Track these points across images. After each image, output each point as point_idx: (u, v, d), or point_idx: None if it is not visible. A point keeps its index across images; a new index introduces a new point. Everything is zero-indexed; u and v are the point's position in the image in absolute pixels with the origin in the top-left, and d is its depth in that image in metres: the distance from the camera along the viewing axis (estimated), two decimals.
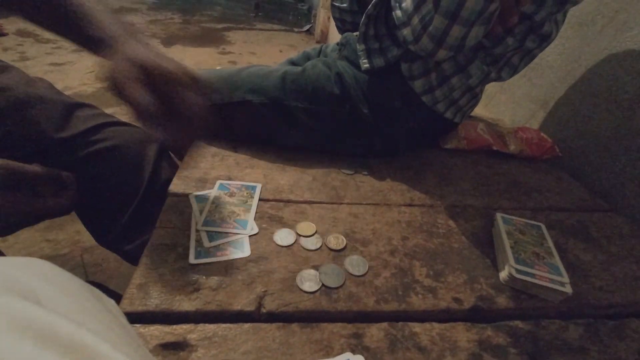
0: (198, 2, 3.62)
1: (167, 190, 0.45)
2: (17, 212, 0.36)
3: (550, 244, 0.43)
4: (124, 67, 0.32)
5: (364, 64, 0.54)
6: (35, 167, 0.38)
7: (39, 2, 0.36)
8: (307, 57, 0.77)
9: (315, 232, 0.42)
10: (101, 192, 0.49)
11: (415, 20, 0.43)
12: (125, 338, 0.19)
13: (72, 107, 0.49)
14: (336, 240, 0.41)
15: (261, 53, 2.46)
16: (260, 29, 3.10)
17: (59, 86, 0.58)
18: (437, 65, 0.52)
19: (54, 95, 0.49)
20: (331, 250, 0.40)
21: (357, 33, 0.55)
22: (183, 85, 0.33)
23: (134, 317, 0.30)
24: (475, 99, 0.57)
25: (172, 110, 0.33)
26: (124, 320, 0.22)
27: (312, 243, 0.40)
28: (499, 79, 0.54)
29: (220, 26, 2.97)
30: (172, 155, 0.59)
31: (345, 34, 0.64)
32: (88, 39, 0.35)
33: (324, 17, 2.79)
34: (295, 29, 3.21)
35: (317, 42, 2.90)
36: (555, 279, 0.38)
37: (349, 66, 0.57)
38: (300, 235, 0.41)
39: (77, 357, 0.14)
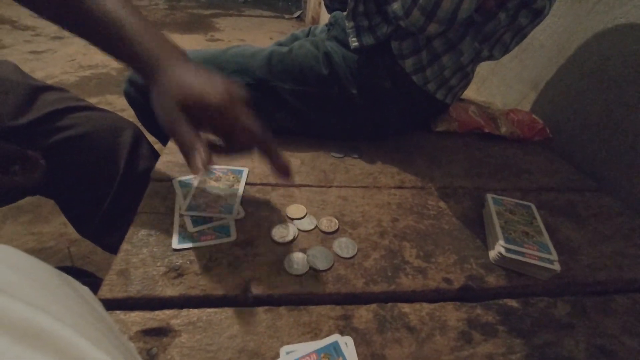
0: None
1: (147, 180, 0.43)
2: None
3: (540, 223, 0.43)
4: (168, 101, 0.31)
5: (353, 42, 0.52)
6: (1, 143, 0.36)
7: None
8: (294, 39, 0.75)
9: (306, 213, 0.41)
10: (75, 182, 0.47)
11: None
12: (96, 324, 0.18)
13: (37, 90, 0.46)
14: (329, 223, 0.40)
15: (250, 40, 2.39)
16: (250, 15, 3.02)
17: (38, 75, 0.55)
18: (427, 43, 0.50)
19: (17, 77, 0.46)
20: (322, 232, 0.39)
21: (346, 11, 0.53)
22: (231, 113, 0.32)
23: (114, 304, 0.29)
24: (466, 78, 0.56)
25: (226, 138, 0.33)
26: (98, 307, 0.21)
27: (307, 223, 0.39)
28: (490, 57, 0.53)
29: (207, 12, 2.88)
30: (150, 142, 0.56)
31: (334, 13, 0.62)
32: (125, 54, 0.33)
33: (314, 3, 2.72)
34: (286, 16, 3.13)
35: None
36: (544, 257, 0.38)
37: (337, 46, 0.55)
38: (297, 230, 0.39)
39: (33, 341, 0.13)
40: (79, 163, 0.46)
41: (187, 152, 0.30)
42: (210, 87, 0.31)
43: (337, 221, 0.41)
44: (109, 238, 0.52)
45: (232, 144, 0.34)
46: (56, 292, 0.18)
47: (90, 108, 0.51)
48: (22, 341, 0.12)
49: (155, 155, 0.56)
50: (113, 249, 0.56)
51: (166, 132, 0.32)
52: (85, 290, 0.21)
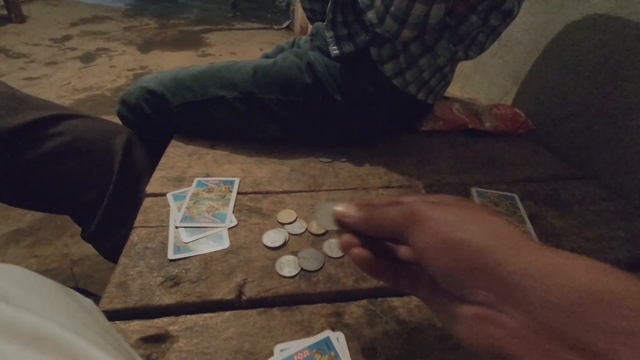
0: (174, 6, 3.57)
1: (142, 182, 0.45)
2: None
3: (523, 212, 0.44)
4: None
5: (334, 50, 0.54)
6: None
7: None
8: (280, 51, 0.77)
9: (296, 218, 0.43)
10: (71, 188, 0.48)
11: (378, 1, 0.44)
12: (98, 331, 0.19)
13: (24, 98, 0.46)
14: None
15: (242, 53, 2.43)
16: (240, 29, 3.07)
17: None
18: (404, 47, 0.52)
19: (3, 89, 0.46)
20: (312, 235, 0.41)
21: (326, 22, 0.56)
22: None
23: (115, 315, 0.30)
24: (445, 79, 0.58)
25: None
26: (102, 318, 0.22)
27: (297, 227, 0.41)
28: (466, 57, 0.55)
29: (198, 28, 2.93)
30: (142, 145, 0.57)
31: (316, 24, 0.64)
32: None
33: (302, 13, 2.77)
34: (275, 26, 3.19)
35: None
36: None
37: (320, 55, 0.57)
38: (290, 234, 0.40)
39: (41, 346, 0.14)
40: (74, 169, 0.47)
41: None
42: None
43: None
44: (107, 243, 0.53)
45: None
46: (60, 304, 0.19)
47: (82, 116, 0.51)
48: (31, 346, 0.14)
49: (151, 160, 0.57)
50: (111, 255, 0.57)
51: None
52: (88, 302, 0.23)
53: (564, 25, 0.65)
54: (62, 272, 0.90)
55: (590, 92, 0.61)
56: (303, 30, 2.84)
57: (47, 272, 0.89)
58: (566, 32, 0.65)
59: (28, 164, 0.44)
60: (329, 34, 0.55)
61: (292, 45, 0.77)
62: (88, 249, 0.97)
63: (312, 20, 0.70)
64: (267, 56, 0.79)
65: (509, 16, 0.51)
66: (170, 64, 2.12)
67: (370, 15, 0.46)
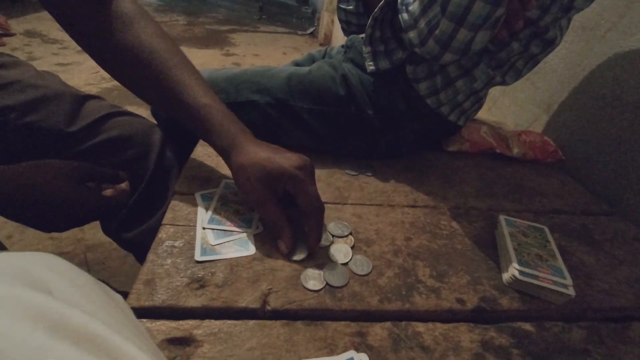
0: (202, 5, 3.66)
1: (170, 180, 0.46)
2: (89, 203, 0.40)
3: (554, 246, 0.43)
4: (254, 181, 0.37)
5: (370, 66, 0.54)
6: (101, 167, 0.43)
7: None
8: (311, 59, 0.78)
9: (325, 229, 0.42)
10: None
11: (422, 23, 0.44)
12: (134, 331, 0.19)
13: (80, 99, 0.50)
14: (345, 240, 0.41)
15: (265, 55, 2.47)
16: (264, 32, 3.13)
17: None
18: (441, 68, 0.52)
19: (63, 88, 0.51)
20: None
21: (363, 35, 0.56)
22: (299, 181, 0.37)
23: (141, 312, 0.31)
24: (479, 102, 0.57)
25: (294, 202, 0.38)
26: (131, 314, 0.22)
27: (323, 240, 0.40)
28: (503, 82, 0.55)
29: (224, 28, 2.99)
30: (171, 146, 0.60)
31: (351, 36, 0.65)
32: (208, 134, 0.40)
33: (327, 20, 2.81)
34: (299, 32, 3.24)
35: (321, 44, 2.91)
36: (558, 281, 0.38)
37: (354, 68, 0.58)
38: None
39: (89, 346, 0.14)
40: (118, 161, 0.50)
41: (275, 232, 0.38)
42: (285, 158, 0.37)
43: (352, 238, 0.42)
44: (129, 234, 0.55)
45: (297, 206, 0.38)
46: (100, 301, 0.19)
47: (126, 113, 0.55)
48: (79, 345, 0.14)
49: (178, 159, 0.59)
50: (130, 245, 0.59)
51: (256, 209, 0.41)
52: (118, 298, 0.23)
53: (603, 57, 0.64)
54: (75, 257, 0.92)
55: (627, 127, 0.59)
56: (327, 37, 2.87)
57: (61, 255, 0.91)
58: (606, 64, 0.63)
59: (80, 154, 0.48)
60: (366, 50, 0.55)
61: (324, 55, 0.78)
62: (102, 236, 0.99)
63: (346, 32, 0.71)
64: (297, 63, 0.80)
65: (550, 45, 0.51)
66: (195, 60, 2.16)
67: (412, 35, 0.46)
